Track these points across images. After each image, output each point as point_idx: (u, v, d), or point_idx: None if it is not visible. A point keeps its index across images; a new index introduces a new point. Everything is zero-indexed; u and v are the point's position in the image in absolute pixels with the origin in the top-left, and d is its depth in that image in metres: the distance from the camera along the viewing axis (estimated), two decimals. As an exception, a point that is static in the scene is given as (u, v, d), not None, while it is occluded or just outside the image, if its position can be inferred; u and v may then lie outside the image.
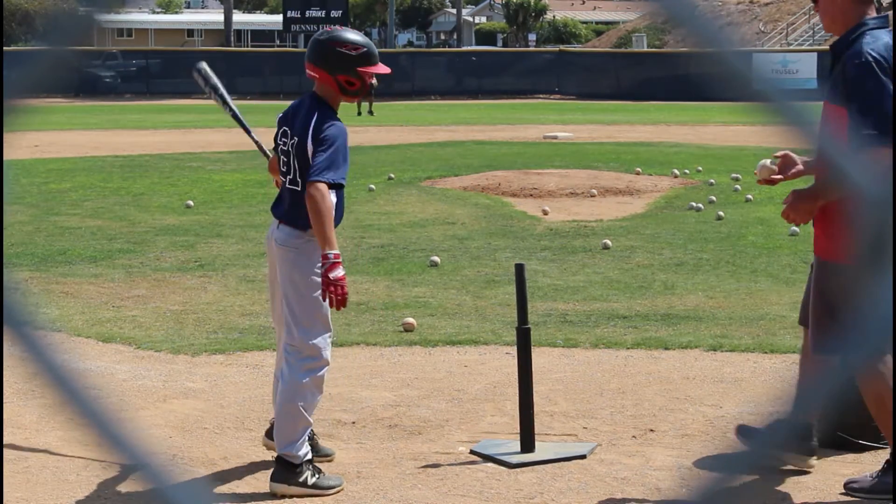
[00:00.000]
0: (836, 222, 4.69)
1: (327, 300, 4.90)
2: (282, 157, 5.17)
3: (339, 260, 4.87)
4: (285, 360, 5.10)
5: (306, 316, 5.04)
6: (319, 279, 4.92)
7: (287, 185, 5.13)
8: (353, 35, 5.21)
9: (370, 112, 36.03)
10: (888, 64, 4.65)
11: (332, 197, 4.93)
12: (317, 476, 5.03)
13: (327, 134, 4.95)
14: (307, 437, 5.11)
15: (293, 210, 5.06)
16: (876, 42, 4.70)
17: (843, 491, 4.98)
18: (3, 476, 5.06)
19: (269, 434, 5.45)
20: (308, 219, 4.90)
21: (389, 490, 5.08)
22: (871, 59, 4.63)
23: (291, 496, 4.99)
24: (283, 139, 5.15)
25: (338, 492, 5.04)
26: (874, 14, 4.81)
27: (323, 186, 4.85)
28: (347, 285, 4.87)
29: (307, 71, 5.16)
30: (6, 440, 5.61)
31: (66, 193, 16.31)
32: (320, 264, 4.89)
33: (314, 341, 5.05)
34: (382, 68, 5.17)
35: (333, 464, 5.42)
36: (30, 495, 5.00)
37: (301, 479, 5.00)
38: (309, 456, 5.07)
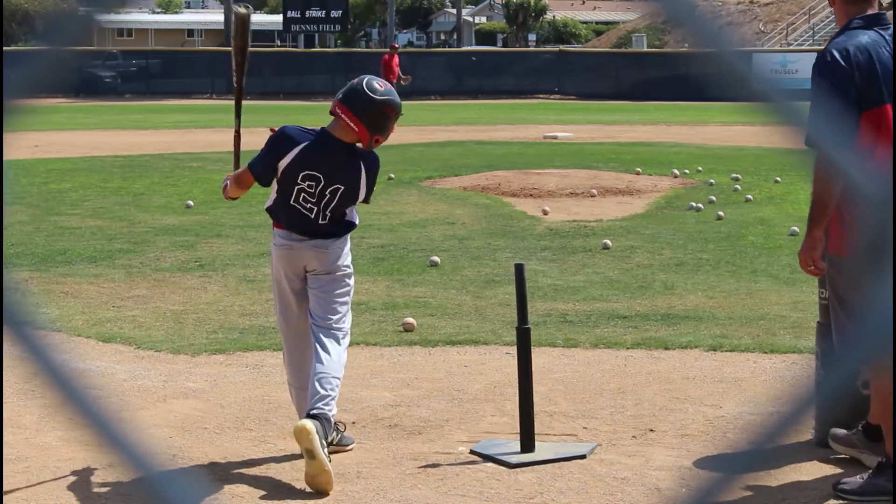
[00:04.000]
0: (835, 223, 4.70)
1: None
2: (305, 194, 5.35)
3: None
4: (332, 338, 5.34)
5: (347, 301, 5.46)
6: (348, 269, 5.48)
7: (314, 218, 5.38)
8: (395, 97, 5.41)
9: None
10: (852, 61, 4.60)
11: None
12: (340, 433, 5.50)
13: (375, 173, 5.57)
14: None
15: (333, 225, 5.42)
16: (848, 41, 4.68)
17: (833, 493, 4.97)
18: (3, 476, 5.06)
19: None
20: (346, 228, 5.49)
21: (389, 490, 5.08)
22: (828, 57, 4.63)
23: (330, 447, 5.17)
24: (310, 183, 5.32)
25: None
26: (870, 12, 4.78)
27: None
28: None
29: (343, 116, 5.25)
30: (6, 440, 5.61)
31: (66, 193, 16.31)
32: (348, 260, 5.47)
33: (349, 322, 5.48)
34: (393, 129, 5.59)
35: (335, 464, 5.42)
36: (30, 495, 5.00)
37: (334, 435, 5.32)
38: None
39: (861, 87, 4.60)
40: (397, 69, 36.27)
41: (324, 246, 5.37)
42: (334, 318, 5.33)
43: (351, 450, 5.61)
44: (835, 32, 4.86)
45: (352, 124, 5.24)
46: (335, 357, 5.26)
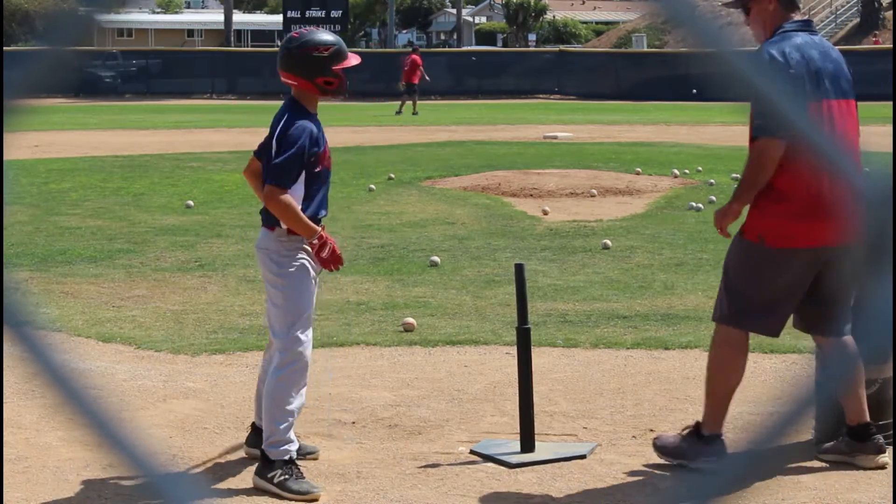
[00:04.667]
0: (764, 211, 5.07)
1: (310, 293, 5.15)
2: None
3: (322, 239, 5.08)
4: (272, 359, 5.20)
5: (284, 312, 5.11)
6: (293, 275, 5.11)
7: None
8: (321, 35, 5.28)
9: (414, 112, 36.34)
10: (791, 60, 4.96)
11: (301, 188, 5.11)
12: (285, 477, 5.00)
13: (289, 135, 5.07)
14: (290, 437, 5.11)
15: (265, 210, 5.19)
16: (783, 41, 5.04)
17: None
18: (3, 476, 5.06)
19: (248, 441, 5.52)
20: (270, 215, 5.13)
21: (389, 490, 5.08)
22: (767, 56, 4.97)
23: (262, 491, 5.02)
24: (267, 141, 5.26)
25: (309, 499, 4.97)
26: (798, 18, 5.17)
27: (273, 189, 5.04)
28: (337, 249, 5.14)
29: (282, 79, 5.21)
30: (6, 440, 5.61)
31: (66, 193, 16.31)
32: (296, 260, 5.12)
33: (292, 337, 5.10)
34: (353, 59, 5.24)
35: (335, 464, 5.42)
36: (30, 495, 5.00)
37: (269, 475, 5.02)
38: (287, 456, 5.06)
39: (807, 81, 4.94)
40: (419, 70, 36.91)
41: (259, 244, 5.23)
42: (274, 329, 5.17)
43: (315, 458, 5.50)
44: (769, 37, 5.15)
45: (291, 81, 5.21)
46: (269, 383, 5.12)
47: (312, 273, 5.20)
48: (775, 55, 4.96)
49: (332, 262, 5.15)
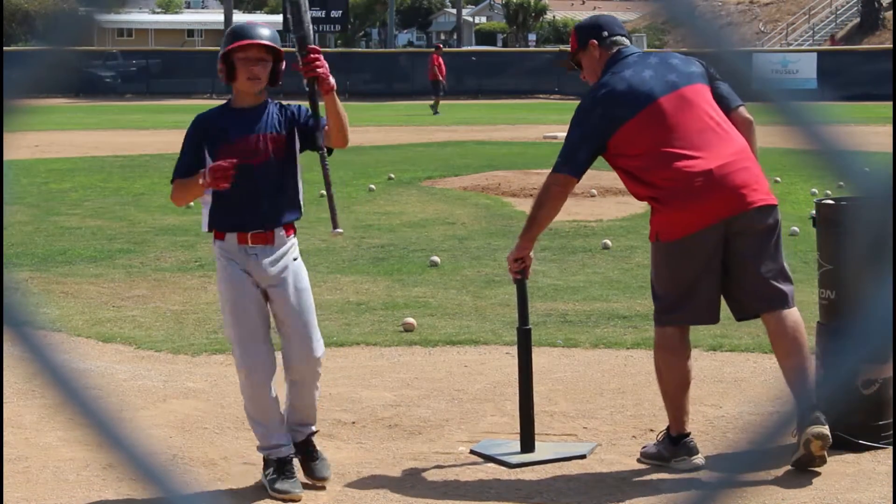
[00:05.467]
0: (653, 212, 5.47)
1: (244, 300, 5.00)
2: None
3: (204, 175, 4.89)
4: None
5: (226, 321, 5.13)
6: (222, 281, 5.06)
7: None
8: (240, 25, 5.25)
9: (434, 110, 36.55)
10: (608, 91, 5.37)
11: (208, 191, 5.04)
12: (273, 476, 5.03)
13: None
14: (269, 442, 5.09)
15: None
16: (597, 83, 5.45)
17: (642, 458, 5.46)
18: (3, 476, 5.06)
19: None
20: (207, 219, 5.21)
21: (389, 490, 5.08)
22: (587, 100, 5.46)
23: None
24: None
25: (287, 499, 4.96)
26: (614, 50, 5.47)
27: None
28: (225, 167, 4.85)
29: None
30: (6, 440, 5.61)
31: (66, 193, 16.31)
32: (224, 267, 5.07)
33: (237, 346, 5.06)
34: (238, 42, 5.05)
35: (335, 464, 5.42)
36: (30, 495, 5.00)
37: (264, 473, 5.09)
38: (275, 455, 5.05)
39: (620, 103, 5.31)
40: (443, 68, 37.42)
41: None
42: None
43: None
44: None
45: None
46: None
47: (247, 281, 5.00)
48: (591, 96, 5.43)
49: (219, 179, 4.86)
